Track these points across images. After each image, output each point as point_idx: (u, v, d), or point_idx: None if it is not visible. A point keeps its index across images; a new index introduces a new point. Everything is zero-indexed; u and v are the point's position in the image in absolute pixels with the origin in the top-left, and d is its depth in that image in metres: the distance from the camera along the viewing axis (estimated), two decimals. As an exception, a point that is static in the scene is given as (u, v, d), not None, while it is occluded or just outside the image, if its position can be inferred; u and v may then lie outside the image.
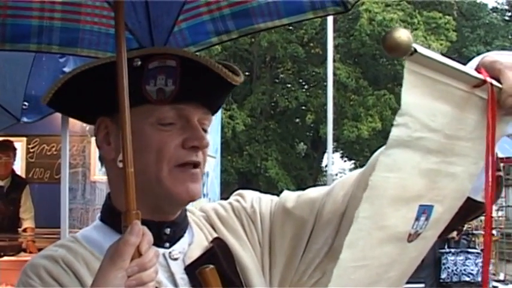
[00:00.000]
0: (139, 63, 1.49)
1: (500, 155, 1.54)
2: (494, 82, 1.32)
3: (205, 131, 1.56)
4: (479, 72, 1.31)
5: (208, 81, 1.54)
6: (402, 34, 1.14)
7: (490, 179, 1.31)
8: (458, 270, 8.83)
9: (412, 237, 1.34)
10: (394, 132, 1.18)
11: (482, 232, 12.75)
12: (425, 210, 1.32)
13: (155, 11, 2.01)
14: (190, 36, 2.16)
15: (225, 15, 2.12)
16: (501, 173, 1.52)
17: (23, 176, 8.74)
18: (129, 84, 1.41)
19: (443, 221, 1.44)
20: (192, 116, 1.54)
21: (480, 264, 8.57)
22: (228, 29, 2.15)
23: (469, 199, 1.46)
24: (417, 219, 1.32)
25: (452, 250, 8.76)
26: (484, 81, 1.30)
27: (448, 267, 8.89)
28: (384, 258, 1.32)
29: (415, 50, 1.15)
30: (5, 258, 7.21)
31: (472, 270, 9.02)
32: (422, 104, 1.21)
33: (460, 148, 1.33)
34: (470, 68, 1.34)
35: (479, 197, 1.49)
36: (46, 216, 7.20)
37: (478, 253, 9.40)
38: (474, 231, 11.97)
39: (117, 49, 1.43)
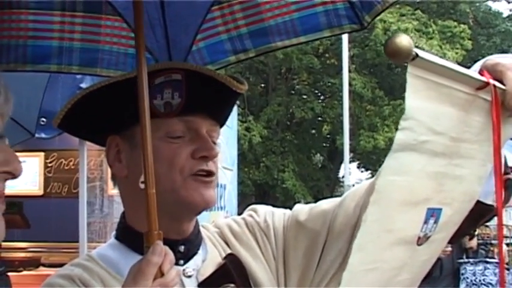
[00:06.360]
0: None
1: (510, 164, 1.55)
2: (498, 84, 1.33)
3: (214, 143, 1.58)
4: (482, 75, 1.33)
5: (214, 91, 1.58)
6: (403, 39, 1.15)
7: (499, 181, 1.33)
8: (477, 280, 8.76)
9: (421, 241, 1.35)
10: (399, 136, 1.19)
11: (501, 242, 12.64)
12: (433, 213, 1.33)
13: (173, 30, 2.03)
14: (208, 55, 2.18)
15: (243, 34, 2.14)
16: (510, 176, 1.52)
17: (41, 191, 8.81)
18: (136, 101, 1.43)
19: (453, 223, 1.45)
20: (201, 128, 1.56)
21: (499, 274, 8.52)
22: (245, 48, 2.17)
23: (479, 202, 1.47)
24: (426, 222, 1.33)
25: (471, 260, 8.69)
26: (487, 83, 1.31)
27: (467, 278, 8.82)
28: (394, 261, 1.33)
29: (417, 55, 1.17)
30: (24, 272, 7.26)
31: (491, 280, 8.96)
32: (427, 107, 1.22)
33: (466, 150, 1.34)
34: (473, 71, 1.36)
35: (490, 200, 1.49)
36: (64, 230, 7.23)
37: (497, 263, 9.32)
38: (492, 241, 11.88)
39: (138, 72, 1.45)
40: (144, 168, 1.41)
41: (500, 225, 1.36)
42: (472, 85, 1.30)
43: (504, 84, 1.34)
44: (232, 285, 1.56)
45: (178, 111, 1.54)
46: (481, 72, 1.35)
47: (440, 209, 1.35)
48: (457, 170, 1.35)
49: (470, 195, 1.44)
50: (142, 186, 1.44)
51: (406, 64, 1.18)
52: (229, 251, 1.67)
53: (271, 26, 2.11)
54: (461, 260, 8.76)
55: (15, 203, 8.21)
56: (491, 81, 1.32)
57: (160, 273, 1.33)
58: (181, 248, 1.58)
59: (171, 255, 1.36)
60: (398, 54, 1.15)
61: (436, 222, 1.35)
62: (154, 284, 1.32)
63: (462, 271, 8.81)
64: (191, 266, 1.59)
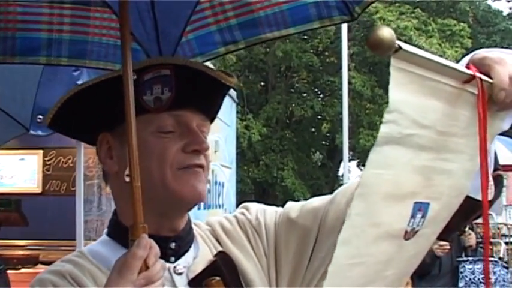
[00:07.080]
0: (135, 77, 1.52)
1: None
2: (484, 77, 1.32)
3: (204, 137, 1.58)
4: (469, 69, 1.32)
5: (203, 85, 1.58)
6: (385, 31, 1.14)
7: (484, 175, 1.31)
8: (476, 278, 8.71)
9: (408, 235, 1.34)
10: (384, 129, 1.17)
11: (500, 240, 12.64)
12: (421, 208, 1.32)
13: (163, 22, 2.02)
14: (198, 46, 2.17)
15: (232, 25, 2.13)
16: (501, 172, 1.51)
17: (40, 189, 8.79)
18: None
19: (442, 218, 1.44)
20: (191, 122, 1.57)
21: (498, 273, 8.50)
22: (235, 39, 2.15)
23: (469, 198, 1.46)
24: (413, 216, 1.31)
25: (470, 259, 8.64)
26: (473, 76, 1.30)
27: (466, 276, 8.77)
28: (380, 255, 1.32)
29: (400, 47, 1.15)
30: (23, 270, 7.25)
31: (490, 278, 8.94)
32: (412, 100, 1.21)
33: (454, 145, 1.33)
34: (460, 65, 1.34)
35: (480, 196, 1.48)
36: (63, 228, 7.22)
37: (496, 261, 9.30)
38: (491, 240, 11.86)
39: (123, 66, 1.46)
40: (129, 161, 1.42)
41: (486, 220, 1.35)
42: (458, 78, 1.29)
43: (491, 78, 1.33)
44: (217, 278, 1.56)
45: (168, 106, 1.55)
46: (468, 66, 1.34)
47: (428, 204, 1.34)
48: (445, 164, 1.34)
49: (458, 190, 1.43)
50: (127, 179, 1.45)
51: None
52: (220, 249, 1.67)
53: (261, 17, 2.10)
54: (460, 259, 8.72)
55: (14, 201, 8.20)
56: (477, 75, 1.31)
57: (146, 267, 1.34)
58: (173, 245, 1.58)
59: (156, 249, 1.37)
60: (380, 46, 1.14)
61: (423, 216, 1.34)
62: (140, 277, 1.33)
63: (461, 269, 8.77)
64: (182, 263, 1.60)
